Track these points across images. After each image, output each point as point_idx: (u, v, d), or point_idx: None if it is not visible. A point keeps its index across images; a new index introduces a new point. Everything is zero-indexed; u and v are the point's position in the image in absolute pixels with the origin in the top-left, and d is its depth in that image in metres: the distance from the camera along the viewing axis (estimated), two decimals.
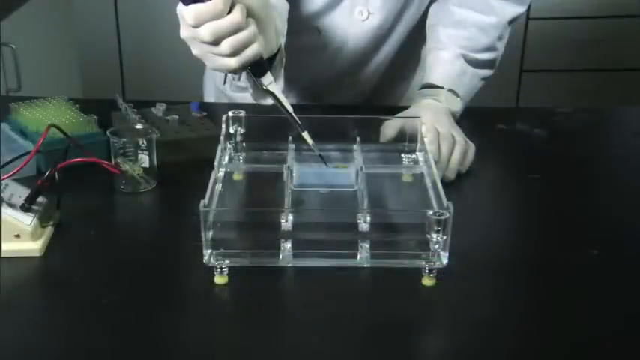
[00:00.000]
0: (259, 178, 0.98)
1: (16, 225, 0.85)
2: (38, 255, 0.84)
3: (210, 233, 0.80)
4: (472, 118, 1.13)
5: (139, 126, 1.01)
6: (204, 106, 1.15)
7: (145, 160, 0.97)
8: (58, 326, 0.76)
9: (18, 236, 0.85)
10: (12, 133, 1.07)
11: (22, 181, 0.90)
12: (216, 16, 0.83)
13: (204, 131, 1.08)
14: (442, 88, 1.12)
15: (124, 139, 0.97)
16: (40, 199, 0.87)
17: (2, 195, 0.86)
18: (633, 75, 2.58)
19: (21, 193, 0.87)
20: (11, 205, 0.86)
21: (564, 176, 1.05)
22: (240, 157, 1.00)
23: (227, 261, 0.80)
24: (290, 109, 0.91)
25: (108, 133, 0.98)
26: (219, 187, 0.89)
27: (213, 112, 1.12)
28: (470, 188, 0.99)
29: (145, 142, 0.97)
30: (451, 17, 1.17)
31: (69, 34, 2.43)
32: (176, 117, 1.09)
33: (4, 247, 0.83)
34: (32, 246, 0.85)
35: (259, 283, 0.81)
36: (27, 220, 0.85)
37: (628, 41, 2.53)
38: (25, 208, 0.86)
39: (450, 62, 1.15)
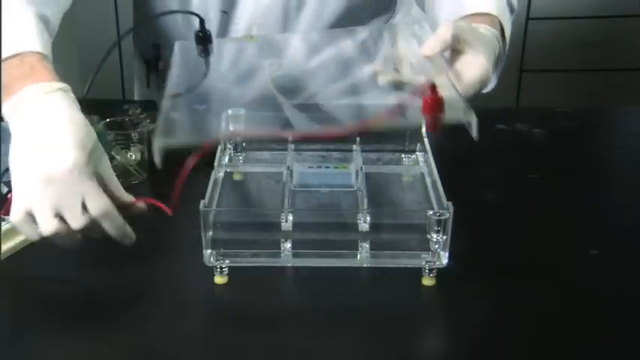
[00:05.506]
0: (259, 178, 0.98)
1: None
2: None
3: (210, 233, 0.79)
4: None
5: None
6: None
7: (137, 152, 0.98)
8: (55, 325, 0.76)
9: None
10: None
11: None
12: None
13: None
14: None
15: (117, 131, 0.99)
16: None
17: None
18: (633, 75, 2.57)
19: None
20: None
21: (564, 176, 1.05)
22: (240, 157, 1.00)
23: (227, 261, 0.80)
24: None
25: (102, 124, 0.98)
26: (219, 187, 0.89)
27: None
28: (470, 188, 0.99)
29: (136, 135, 0.98)
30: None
31: (69, 34, 2.43)
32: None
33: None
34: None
35: (259, 283, 0.81)
36: None
37: (628, 41, 2.53)
38: None
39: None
